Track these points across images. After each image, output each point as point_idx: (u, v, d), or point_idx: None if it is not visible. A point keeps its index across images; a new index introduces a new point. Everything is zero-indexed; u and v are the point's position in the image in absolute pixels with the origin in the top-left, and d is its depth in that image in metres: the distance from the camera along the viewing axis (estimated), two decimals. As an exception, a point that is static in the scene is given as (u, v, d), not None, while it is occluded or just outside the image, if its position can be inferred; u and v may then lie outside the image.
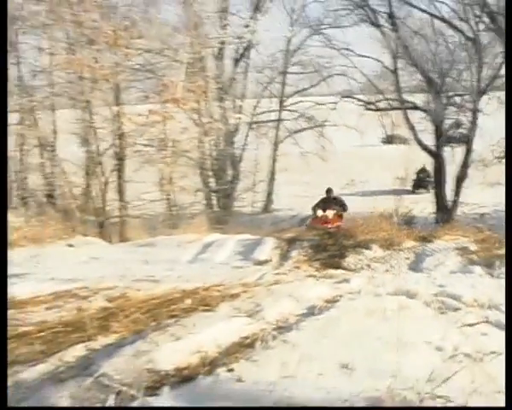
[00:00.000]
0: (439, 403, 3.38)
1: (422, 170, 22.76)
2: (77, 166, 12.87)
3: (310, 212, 13.65)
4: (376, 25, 19.82)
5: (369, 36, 20.06)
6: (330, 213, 13.08)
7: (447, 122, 20.23)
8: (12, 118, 14.51)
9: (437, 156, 19.93)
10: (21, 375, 4.14)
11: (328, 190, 13.92)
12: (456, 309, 5.15)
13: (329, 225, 12.61)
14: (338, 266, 7.57)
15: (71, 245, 10.06)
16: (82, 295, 6.39)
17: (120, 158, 12.09)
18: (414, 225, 11.24)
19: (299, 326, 4.79)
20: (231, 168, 13.79)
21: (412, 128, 19.75)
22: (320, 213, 13.13)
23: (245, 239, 8.77)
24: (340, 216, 13.35)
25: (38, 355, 4.58)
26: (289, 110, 16.07)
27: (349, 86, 20.53)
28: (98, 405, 3.41)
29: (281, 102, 15.85)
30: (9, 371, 4.21)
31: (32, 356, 4.55)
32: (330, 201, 13.57)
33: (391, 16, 19.61)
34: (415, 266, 7.77)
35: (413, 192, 21.71)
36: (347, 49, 19.41)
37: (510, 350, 3.69)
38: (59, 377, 4.02)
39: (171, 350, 4.33)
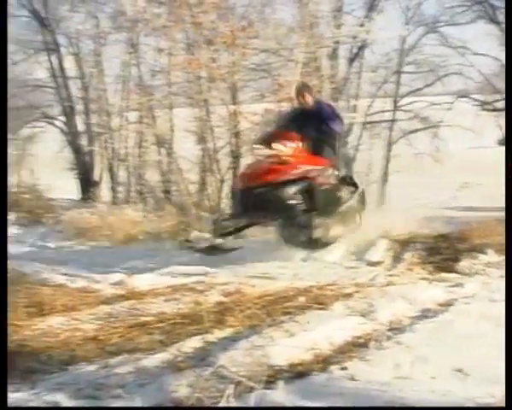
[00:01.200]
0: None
1: None
2: (193, 163, 13.20)
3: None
4: (495, 21, 19.23)
5: (486, 33, 19.48)
6: (288, 147, 7.48)
7: None
8: (132, 116, 15.10)
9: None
10: (142, 362, 4.37)
11: (301, 88, 8.42)
12: None
13: (288, 174, 7.29)
14: (451, 270, 7.44)
15: (187, 241, 10.34)
16: (198, 290, 6.62)
17: (236, 156, 12.30)
18: (532, 230, 10.73)
19: (412, 328, 4.81)
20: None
21: (531, 129, 19.03)
22: (263, 152, 7.56)
23: (358, 240, 8.78)
24: (322, 157, 7.99)
25: (157, 344, 4.82)
26: (403, 110, 15.84)
27: (465, 86, 20.02)
28: (217, 394, 3.56)
29: (395, 102, 15.64)
30: (131, 358, 4.47)
31: (152, 345, 4.80)
32: (298, 120, 7.99)
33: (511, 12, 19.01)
34: (533, 273, 7.53)
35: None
36: (464, 48, 18.90)
37: (510, 350, 3.61)
38: (177, 366, 4.21)
39: (286, 346, 4.45)
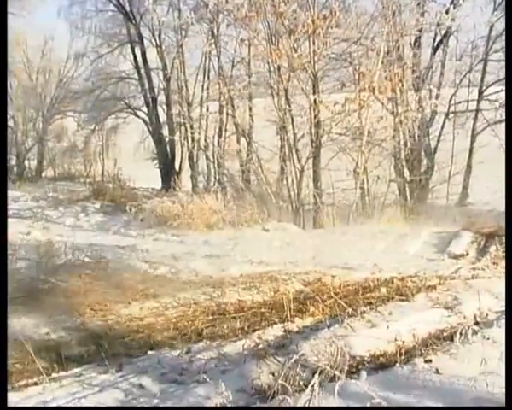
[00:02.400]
0: None
1: None
2: (272, 152, 13.17)
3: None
4: None
5: None
6: None
7: None
8: (212, 106, 15.24)
9: None
10: (224, 349, 4.39)
11: None
12: None
13: None
14: (540, 265, 7.19)
15: (266, 230, 10.37)
16: (278, 278, 6.61)
17: (316, 146, 12.18)
18: None
19: (499, 323, 4.65)
20: (426, 159, 13.41)
21: None
22: None
23: (440, 232, 8.59)
24: None
25: (238, 332, 4.83)
26: (489, 100, 15.38)
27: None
28: (301, 382, 3.53)
29: (480, 92, 15.22)
30: (213, 344, 4.50)
31: (233, 333, 4.81)
32: None
33: None
34: None
35: None
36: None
37: (510, 350, 3.42)
38: (259, 353, 4.21)
39: (367, 337, 4.38)
